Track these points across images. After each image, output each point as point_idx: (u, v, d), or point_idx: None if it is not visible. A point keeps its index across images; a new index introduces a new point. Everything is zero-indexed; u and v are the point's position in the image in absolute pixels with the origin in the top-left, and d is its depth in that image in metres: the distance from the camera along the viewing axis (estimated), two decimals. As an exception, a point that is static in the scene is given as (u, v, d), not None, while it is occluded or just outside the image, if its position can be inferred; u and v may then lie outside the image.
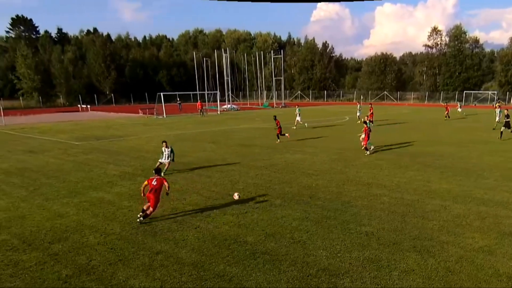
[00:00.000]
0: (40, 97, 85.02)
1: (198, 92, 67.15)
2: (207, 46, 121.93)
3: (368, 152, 23.07)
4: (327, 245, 10.83)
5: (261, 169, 19.73)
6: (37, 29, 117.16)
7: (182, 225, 12.39)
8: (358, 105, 44.84)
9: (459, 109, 51.33)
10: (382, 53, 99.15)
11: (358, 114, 43.60)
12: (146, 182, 13.05)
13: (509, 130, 29.32)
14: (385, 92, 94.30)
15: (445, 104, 49.90)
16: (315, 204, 14.14)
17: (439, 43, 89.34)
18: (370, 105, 43.70)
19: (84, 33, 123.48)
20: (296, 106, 39.00)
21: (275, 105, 76.10)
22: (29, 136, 34.64)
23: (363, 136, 23.82)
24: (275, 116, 29.90)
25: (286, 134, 29.36)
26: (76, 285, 9.07)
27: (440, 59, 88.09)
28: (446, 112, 46.42)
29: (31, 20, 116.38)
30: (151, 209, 12.75)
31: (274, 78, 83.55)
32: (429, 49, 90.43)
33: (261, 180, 17.51)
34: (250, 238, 11.34)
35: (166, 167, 19.01)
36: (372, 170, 19.19)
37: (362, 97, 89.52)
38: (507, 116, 29.45)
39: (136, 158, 23.09)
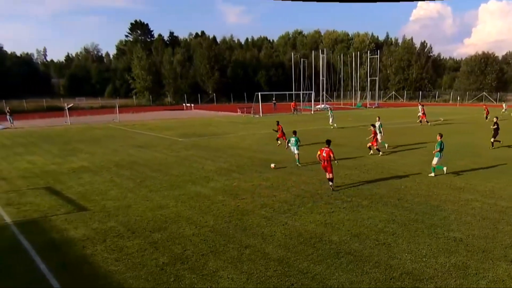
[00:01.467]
0: (150, 96, 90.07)
1: (293, 92, 67.17)
2: (305, 47, 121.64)
3: (379, 153, 22.89)
4: (412, 249, 10.35)
5: (350, 168, 19.31)
6: (152, 33, 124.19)
7: (270, 221, 12.47)
8: (420, 106, 42.89)
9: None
10: (483, 52, 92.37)
11: (419, 114, 41.82)
12: (319, 152, 15.73)
13: None
14: (484, 92, 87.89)
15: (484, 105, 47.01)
16: (402, 207, 13.56)
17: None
18: (421, 106, 42.41)
19: (193, 36, 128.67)
20: (329, 109, 38.53)
21: (368, 105, 74.07)
22: (139, 132, 36.83)
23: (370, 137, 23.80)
24: (278, 122, 28.38)
25: (279, 142, 27.32)
26: (171, 272, 9.48)
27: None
28: (486, 113, 43.85)
29: (147, 25, 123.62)
30: (331, 175, 15.47)
31: (369, 78, 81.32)
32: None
33: (350, 180, 17.14)
34: (335, 237, 11.14)
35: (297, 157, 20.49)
36: (464, 173, 18.01)
37: (458, 98, 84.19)
38: None
39: (232, 155, 23.64)
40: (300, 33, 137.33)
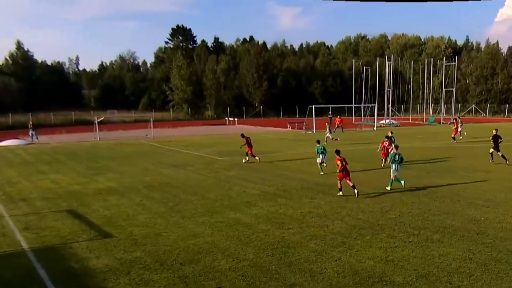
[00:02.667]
0: (189, 109, 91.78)
1: (353, 105, 66.65)
2: (368, 53, 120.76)
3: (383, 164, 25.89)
4: (493, 296, 9.78)
5: (418, 195, 18.73)
6: (195, 39, 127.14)
7: (321, 255, 12.18)
8: (459, 120, 43.94)
9: None
10: None
11: (459, 130, 42.78)
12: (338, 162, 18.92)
13: None
14: None
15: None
16: (482, 243, 12.92)
17: None
18: (456, 119, 44.18)
19: (240, 41, 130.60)
20: (328, 120, 40.94)
21: (442, 121, 72.19)
22: (174, 149, 37.42)
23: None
24: (242, 134, 29.71)
25: (257, 157, 28.81)
26: (201, 312, 9.37)
27: None
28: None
29: (190, 30, 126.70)
30: (351, 183, 18.68)
31: (443, 89, 79.42)
32: None
33: (418, 209, 16.58)
34: (398, 277, 10.71)
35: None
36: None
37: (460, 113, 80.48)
38: None
39: (278, 176, 23.52)
40: (363, 37, 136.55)
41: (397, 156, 20.15)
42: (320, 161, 24.35)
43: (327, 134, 41.90)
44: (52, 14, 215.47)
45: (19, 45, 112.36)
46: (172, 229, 14.76)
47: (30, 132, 47.67)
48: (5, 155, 35.80)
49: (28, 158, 33.72)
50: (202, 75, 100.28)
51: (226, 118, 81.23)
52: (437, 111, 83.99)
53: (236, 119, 76.85)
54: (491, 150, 27.62)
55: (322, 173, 24.02)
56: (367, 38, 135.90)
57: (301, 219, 15.53)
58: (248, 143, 28.93)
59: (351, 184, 18.73)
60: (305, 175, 24.03)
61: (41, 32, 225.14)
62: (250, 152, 28.85)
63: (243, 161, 28.97)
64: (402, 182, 19.90)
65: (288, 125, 61.43)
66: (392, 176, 20.03)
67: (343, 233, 14.00)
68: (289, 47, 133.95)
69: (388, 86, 70.61)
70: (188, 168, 27.24)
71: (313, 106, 56.19)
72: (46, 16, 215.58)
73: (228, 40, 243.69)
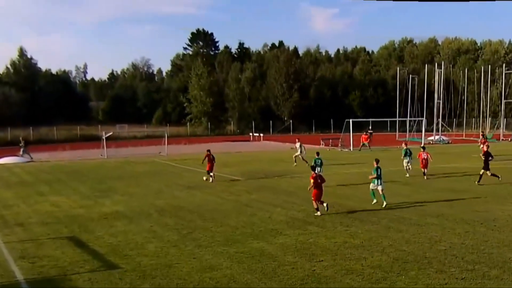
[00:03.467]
0: (209, 123, 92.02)
1: (397, 118, 66.15)
2: (415, 60, 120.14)
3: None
4: None
5: (473, 224, 18.37)
6: (217, 44, 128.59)
7: (357, 293, 11.99)
8: (481, 136, 46.74)
9: None
10: None
11: (481, 146, 43.57)
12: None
13: None
14: None
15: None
16: (549, 281, 12.55)
17: None
18: (482, 135, 46.58)
19: (268, 47, 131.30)
20: (297, 140, 40.96)
21: (501, 138, 70.98)
22: (190, 168, 37.58)
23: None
24: (208, 150, 31.47)
25: (211, 174, 30.43)
26: None
27: None
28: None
29: (211, 34, 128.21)
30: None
31: (503, 101, 78.32)
32: None
33: (472, 240, 16.25)
34: (448, 320, 10.44)
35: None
36: None
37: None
38: None
39: (310, 201, 23.25)
40: (410, 41, 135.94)
41: (379, 171, 22.39)
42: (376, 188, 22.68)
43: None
44: (58, 17, 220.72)
45: (21, 52, 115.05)
46: (186, 260, 14.71)
47: (21, 150, 48.34)
48: (1, 175, 36.41)
49: (26, 178, 34.22)
50: (224, 85, 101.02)
51: (251, 134, 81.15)
52: (496, 126, 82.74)
53: (261, 135, 76.74)
54: (482, 170, 28.15)
55: (375, 201, 22.43)
56: (413, 42, 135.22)
57: (334, 250, 15.34)
58: (209, 159, 30.71)
59: (319, 202, 20.58)
60: (339, 199, 23.85)
61: (46, 37, 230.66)
62: (208, 169, 30.47)
63: (204, 178, 30.66)
64: (384, 202, 21.86)
65: (322, 142, 61.17)
66: (381, 192, 22.17)
67: (383, 267, 13.77)
68: (323, 53, 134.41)
69: (438, 97, 69.90)
70: (205, 190, 27.31)
71: (351, 120, 55.90)
72: (51, 20, 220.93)
73: (255, 45, 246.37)
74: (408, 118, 67.30)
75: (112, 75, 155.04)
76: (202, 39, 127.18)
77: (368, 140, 54.56)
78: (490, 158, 28.27)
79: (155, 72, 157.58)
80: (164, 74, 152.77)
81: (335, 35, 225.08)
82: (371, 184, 22.77)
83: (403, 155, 32.94)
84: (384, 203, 21.73)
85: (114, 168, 39.47)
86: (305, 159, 38.24)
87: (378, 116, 75.01)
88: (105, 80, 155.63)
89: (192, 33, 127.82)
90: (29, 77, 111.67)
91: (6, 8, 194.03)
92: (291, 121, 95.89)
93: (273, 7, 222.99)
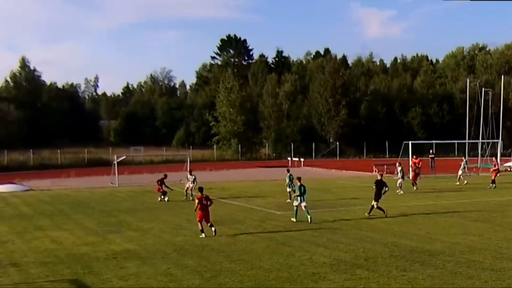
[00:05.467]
0: (239, 146, 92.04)
1: (467, 140, 65.20)
2: (489, 70, 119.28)
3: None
4: None
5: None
6: (251, 52, 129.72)
7: None
8: (464, 160, 49.81)
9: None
10: None
11: (460, 172, 48.48)
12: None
13: None
14: None
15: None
16: None
17: None
18: (494, 159, 50.23)
19: (311, 56, 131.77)
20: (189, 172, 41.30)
21: None
22: (217, 199, 37.32)
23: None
24: (165, 175, 36.42)
25: (166, 198, 35.33)
26: None
27: None
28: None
29: (244, 41, 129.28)
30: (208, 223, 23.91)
31: None
32: None
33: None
34: None
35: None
36: None
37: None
38: None
39: (359, 239, 23.12)
40: (482, 48, 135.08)
41: (302, 188, 27.51)
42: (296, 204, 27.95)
43: (399, 180, 41.56)
44: (66, 22, 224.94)
45: (23, 63, 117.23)
46: (209, 309, 14.63)
47: None
48: (-5, 205, 36.94)
49: (24, 209, 34.60)
50: (258, 101, 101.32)
51: (289, 158, 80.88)
52: None
53: (302, 160, 76.54)
54: (373, 202, 29.64)
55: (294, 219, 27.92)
56: (487, 49, 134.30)
57: (388, 300, 15.10)
58: (161, 180, 34.88)
59: (208, 224, 23.97)
60: (396, 238, 23.53)
61: (52, 45, 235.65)
62: (157, 189, 35.46)
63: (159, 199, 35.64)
64: (309, 217, 26.99)
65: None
66: (304, 208, 27.28)
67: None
68: (377, 63, 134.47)
69: (517, 115, 68.90)
70: (234, 225, 27.24)
71: (410, 142, 55.38)
72: (58, 26, 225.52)
73: (295, 54, 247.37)
74: (480, 140, 66.37)
75: (126, 89, 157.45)
76: (233, 46, 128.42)
77: (421, 164, 54.15)
78: (385, 189, 29.62)
79: (177, 86, 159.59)
80: (187, 88, 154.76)
81: (391, 41, 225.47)
82: (295, 201, 28.00)
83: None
84: (309, 218, 26.93)
85: (126, 198, 39.70)
86: (190, 192, 38.49)
87: (444, 138, 74.36)
88: (118, 95, 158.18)
89: (222, 40, 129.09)
90: (31, 91, 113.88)
91: (7, 11, 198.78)
92: (337, 143, 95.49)
93: (317, 9, 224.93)
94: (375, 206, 29.44)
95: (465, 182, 47.37)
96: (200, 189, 25.19)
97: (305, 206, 27.18)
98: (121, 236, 24.82)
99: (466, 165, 50.29)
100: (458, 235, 23.04)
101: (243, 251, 21.32)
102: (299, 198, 27.35)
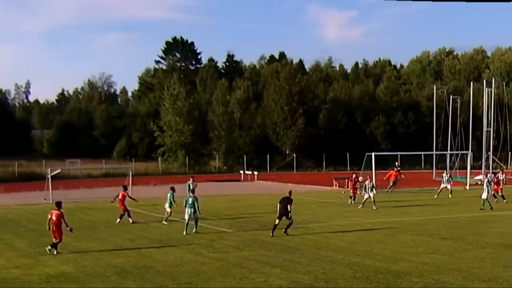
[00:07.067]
0: (187, 158, 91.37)
1: (434, 152, 66.10)
2: (457, 76, 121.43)
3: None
4: None
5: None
6: (199, 56, 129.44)
7: None
8: (444, 174, 51.53)
9: None
10: None
11: (448, 186, 49.62)
12: (49, 216, 24.66)
13: None
14: None
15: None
16: None
17: None
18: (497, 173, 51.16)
19: (265, 60, 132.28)
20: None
21: None
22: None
23: None
24: (125, 186, 37.09)
25: (131, 220, 34.69)
26: None
27: None
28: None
29: (192, 44, 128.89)
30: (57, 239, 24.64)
31: None
32: None
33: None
34: None
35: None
36: None
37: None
38: None
39: (319, 259, 23.23)
40: (450, 53, 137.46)
41: (190, 200, 30.02)
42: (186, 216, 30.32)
43: (370, 194, 42.12)
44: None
45: None
46: (153, 337, 14.52)
47: None
48: None
49: None
50: (207, 109, 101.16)
51: (242, 172, 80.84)
52: None
53: (256, 173, 76.38)
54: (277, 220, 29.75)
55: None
56: (454, 53, 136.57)
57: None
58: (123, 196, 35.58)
59: (56, 241, 24.74)
60: (359, 258, 23.70)
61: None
62: (122, 209, 35.01)
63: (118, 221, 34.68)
64: (194, 230, 29.95)
65: (335, 182, 61.05)
66: (186, 218, 29.93)
67: None
68: (337, 68, 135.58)
69: (488, 125, 70.01)
70: (181, 245, 27.11)
71: (373, 154, 55.90)
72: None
73: (248, 58, 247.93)
74: (449, 151, 67.31)
75: (62, 96, 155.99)
76: (179, 49, 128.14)
77: (396, 178, 54.76)
78: (290, 206, 29.84)
79: (118, 93, 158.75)
80: (129, 94, 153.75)
81: (352, 45, 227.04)
82: (186, 215, 30.00)
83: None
84: (184, 232, 29.62)
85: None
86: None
87: (409, 149, 75.15)
88: (52, 103, 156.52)
89: (167, 42, 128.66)
90: None
91: None
92: (294, 155, 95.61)
93: (272, 9, 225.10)
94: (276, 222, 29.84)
95: (437, 193, 49.03)
96: (58, 204, 26.28)
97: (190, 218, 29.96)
98: (56, 257, 24.43)
99: (448, 177, 51.04)
100: (426, 254, 23.35)
101: (192, 273, 21.22)
102: (187, 209, 29.88)
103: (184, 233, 29.60)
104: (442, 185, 49.51)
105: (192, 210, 29.77)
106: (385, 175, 55.30)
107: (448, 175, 50.94)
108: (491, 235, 29.44)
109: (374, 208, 40.97)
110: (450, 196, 47.87)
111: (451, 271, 20.90)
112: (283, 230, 29.58)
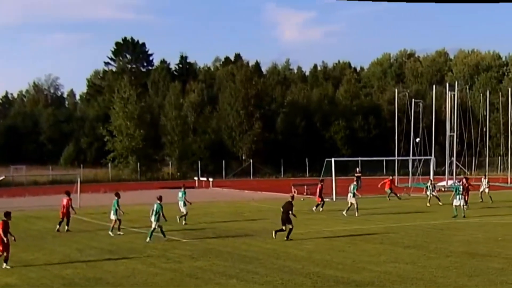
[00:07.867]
0: (138, 164, 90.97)
1: (396, 157, 66.60)
2: (419, 79, 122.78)
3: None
4: None
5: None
6: (151, 58, 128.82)
7: None
8: (429, 181, 52.65)
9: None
10: None
11: (429, 193, 50.70)
12: None
13: None
14: None
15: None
16: None
17: None
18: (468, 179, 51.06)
19: (220, 62, 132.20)
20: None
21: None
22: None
23: None
24: (68, 192, 37.40)
25: (66, 228, 34.65)
26: None
27: None
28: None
29: (143, 45, 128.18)
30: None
31: (537, 134, 79.99)
32: None
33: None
34: None
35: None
36: None
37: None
38: None
39: (277, 269, 23.23)
40: (411, 55, 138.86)
41: (155, 206, 30.88)
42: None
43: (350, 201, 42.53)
44: None
45: None
46: None
47: None
48: None
49: None
50: (160, 113, 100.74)
51: (196, 178, 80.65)
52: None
53: (211, 180, 76.45)
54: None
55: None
56: (416, 56, 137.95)
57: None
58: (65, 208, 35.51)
59: (4, 254, 24.04)
60: (319, 267, 23.73)
61: None
62: (63, 215, 35.40)
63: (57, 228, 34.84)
64: (162, 235, 30.63)
65: (293, 188, 61.19)
66: (153, 226, 30.57)
67: None
68: (295, 71, 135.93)
69: (451, 129, 70.80)
70: (132, 255, 26.97)
71: (333, 160, 56.17)
72: None
73: (202, 60, 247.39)
74: (411, 157, 67.85)
75: (5, 99, 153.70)
76: (130, 51, 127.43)
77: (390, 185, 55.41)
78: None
79: (65, 95, 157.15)
80: (77, 97, 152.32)
81: (310, 47, 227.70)
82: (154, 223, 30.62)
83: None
84: (148, 240, 30.20)
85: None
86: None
87: (371, 154, 75.59)
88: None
89: (117, 43, 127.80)
90: None
91: None
92: (251, 160, 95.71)
93: (227, 9, 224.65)
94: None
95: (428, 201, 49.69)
96: (7, 214, 25.67)
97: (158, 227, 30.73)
98: (-2, 269, 24.16)
99: (432, 185, 51.76)
100: (388, 263, 23.52)
101: (143, 284, 21.12)
102: (153, 217, 30.93)
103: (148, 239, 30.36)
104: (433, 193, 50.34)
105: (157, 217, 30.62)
106: (345, 182, 55.39)
107: (430, 183, 51.52)
108: (455, 243, 29.77)
109: (357, 215, 41.35)
110: (428, 204, 48.57)
111: (414, 280, 21.05)
112: (285, 237, 30.12)
